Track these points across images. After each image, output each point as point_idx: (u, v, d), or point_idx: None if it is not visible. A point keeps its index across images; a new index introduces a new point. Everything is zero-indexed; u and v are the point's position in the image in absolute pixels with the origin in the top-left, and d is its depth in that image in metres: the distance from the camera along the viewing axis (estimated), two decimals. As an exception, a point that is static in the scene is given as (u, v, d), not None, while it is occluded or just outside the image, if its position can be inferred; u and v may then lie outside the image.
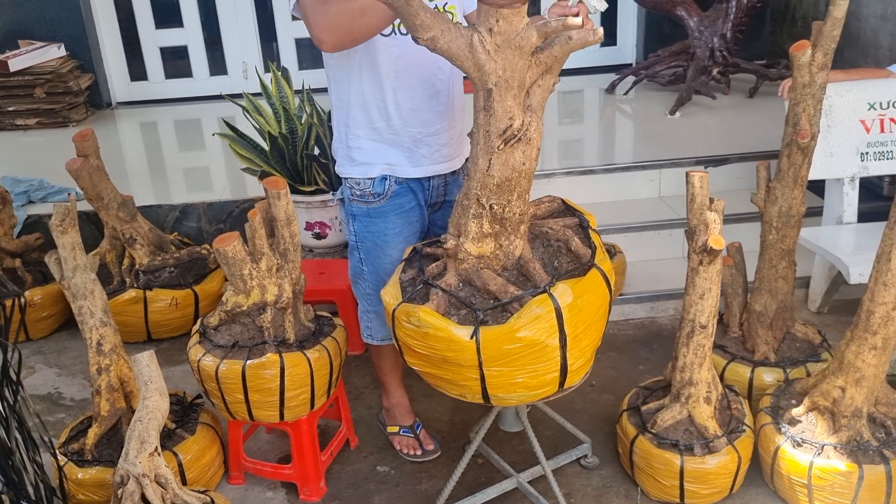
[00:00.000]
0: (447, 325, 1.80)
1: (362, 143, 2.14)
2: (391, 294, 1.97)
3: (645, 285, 3.26)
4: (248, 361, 2.13)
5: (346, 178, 2.22)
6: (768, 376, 2.41)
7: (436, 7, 1.97)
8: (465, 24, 2.15)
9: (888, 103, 2.82)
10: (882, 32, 4.96)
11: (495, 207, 1.84)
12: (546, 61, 1.71)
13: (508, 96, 1.70)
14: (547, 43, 1.68)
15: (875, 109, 2.83)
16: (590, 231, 2.00)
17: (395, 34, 2.01)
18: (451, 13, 2.10)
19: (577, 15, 1.70)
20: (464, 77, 1.95)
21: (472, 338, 1.79)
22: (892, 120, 2.81)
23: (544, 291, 1.80)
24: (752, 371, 2.44)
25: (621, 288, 3.20)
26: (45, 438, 2.04)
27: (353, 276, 2.37)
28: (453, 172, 2.25)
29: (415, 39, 1.63)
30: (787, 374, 2.39)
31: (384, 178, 2.16)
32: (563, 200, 2.14)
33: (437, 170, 2.20)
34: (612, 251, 3.14)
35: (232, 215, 3.55)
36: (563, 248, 1.96)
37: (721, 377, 2.46)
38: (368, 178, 2.16)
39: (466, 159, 2.15)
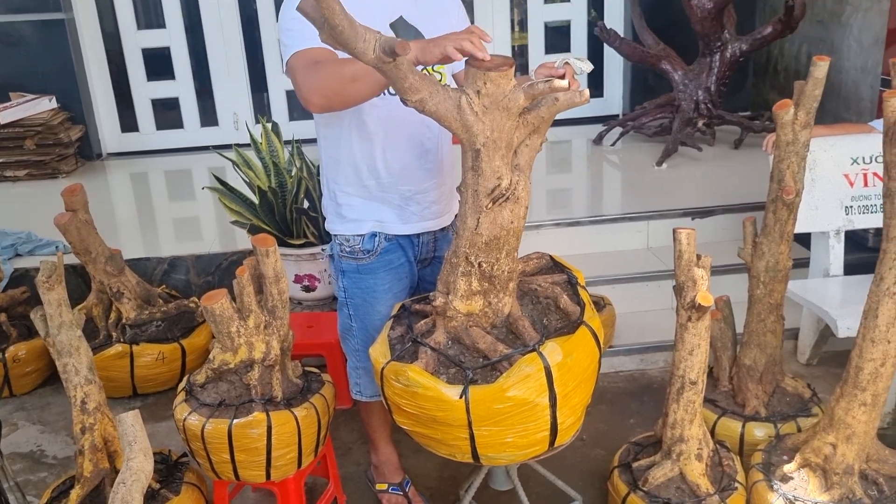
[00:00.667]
0: (436, 385, 1.79)
1: (352, 200, 2.15)
2: (380, 352, 1.96)
3: (634, 337, 3.26)
4: (235, 420, 2.10)
5: (335, 235, 2.22)
6: (759, 431, 2.40)
7: (423, 69, 2.00)
8: (453, 83, 2.18)
9: (871, 158, 2.86)
10: (863, 85, 5.06)
11: (484, 265, 1.84)
12: (533, 122, 1.73)
13: (496, 156, 1.72)
14: (534, 104, 1.71)
15: (858, 164, 2.88)
16: (578, 287, 2.00)
17: (385, 94, 2.02)
18: (440, 73, 2.14)
19: (563, 77, 1.73)
20: None
21: (461, 397, 1.77)
22: (875, 174, 2.85)
23: (533, 350, 1.79)
24: (743, 426, 2.42)
25: (611, 340, 3.20)
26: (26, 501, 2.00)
27: (342, 333, 2.36)
28: (443, 229, 2.26)
29: (403, 101, 1.64)
30: (777, 429, 2.38)
31: (374, 234, 2.16)
32: (551, 257, 2.14)
33: (427, 227, 2.20)
34: (600, 303, 3.14)
35: (221, 267, 3.55)
36: (552, 306, 1.96)
37: (712, 432, 2.45)
38: (358, 235, 2.16)
39: (456, 215, 2.16)
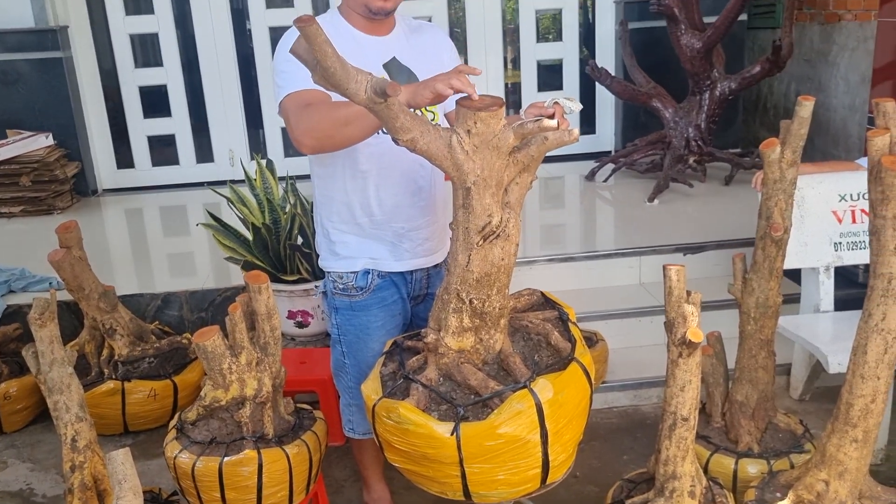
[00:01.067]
0: (427, 422, 1.79)
1: (345, 237, 2.17)
2: (371, 388, 1.96)
3: (627, 373, 3.26)
4: (226, 458, 2.10)
5: (329, 272, 2.23)
6: (752, 468, 2.39)
7: (415, 109, 2.06)
8: (445, 122, 2.22)
9: (858, 195, 2.90)
10: (851, 122, 5.14)
11: (475, 302, 1.86)
12: (523, 160, 1.76)
13: (487, 194, 1.75)
14: (524, 143, 1.74)
15: (846, 201, 2.91)
16: (569, 324, 2.01)
17: (378, 133, 2.03)
18: (433, 113, 2.17)
19: (552, 116, 1.76)
20: None
21: (452, 434, 1.77)
22: (862, 211, 2.88)
23: (525, 387, 1.80)
24: (736, 463, 2.42)
25: (604, 376, 3.20)
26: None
27: (335, 370, 2.36)
28: (436, 265, 2.27)
29: (395, 140, 1.67)
30: (770, 465, 2.38)
31: (367, 272, 2.17)
32: (542, 293, 2.16)
33: (420, 263, 2.21)
34: (593, 339, 3.15)
35: (214, 304, 3.55)
36: (543, 342, 1.97)
37: (705, 469, 2.44)
38: (352, 272, 2.18)
39: (449, 252, 2.20)
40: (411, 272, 2.22)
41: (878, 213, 1.92)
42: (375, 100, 1.53)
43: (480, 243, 1.79)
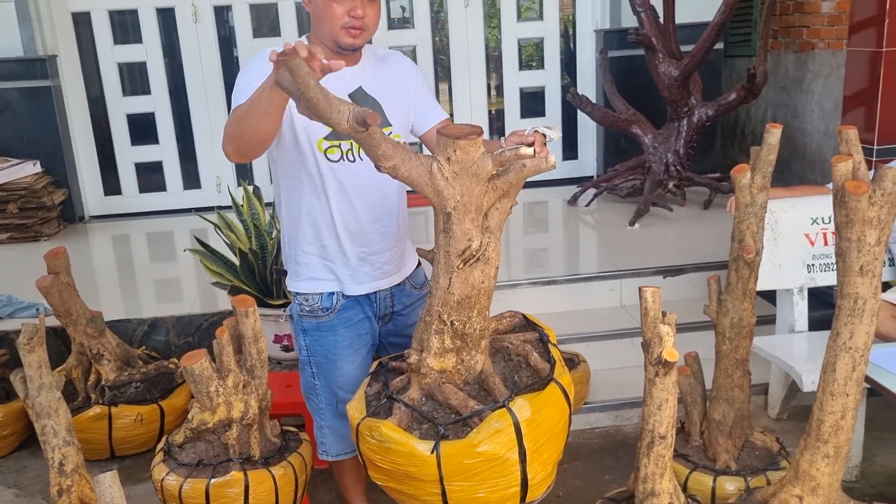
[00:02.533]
0: (408, 440, 1.83)
1: (310, 259, 2.21)
2: (356, 408, 2.01)
3: (609, 394, 3.31)
4: (212, 480, 2.13)
5: (295, 294, 2.27)
6: (730, 485, 2.45)
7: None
8: (416, 141, 2.31)
9: (829, 218, 2.98)
10: (826, 147, 5.26)
11: (456, 324, 1.91)
12: (502, 186, 1.83)
13: (466, 219, 1.81)
14: (503, 170, 1.80)
15: (818, 224, 3.00)
16: (549, 345, 2.07)
17: (343, 160, 2.12)
18: (397, 139, 2.23)
19: (531, 144, 1.83)
20: (408, 191, 2.09)
21: (432, 452, 1.82)
22: (833, 233, 2.95)
23: (503, 406, 1.85)
24: (714, 480, 2.47)
25: (586, 397, 3.25)
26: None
27: (305, 393, 2.39)
28: (398, 284, 2.32)
29: (377, 167, 1.73)
30: (747, 482, 2.43)
31: (332, 293, 2.23)
32: (523, 316, 2.22)
33: (378, 286, 2.27)
34: (575, 360, 3.20)
35: (201, 328, 3.58)
36: (522, 363, 2.03)
37: (684, 487, 2.49)
38: (317, 294, 2.22)
39: (410, 275, 2.33)
40: (374, 293, 2.28)
41: (843, 236, 2.00)
42: (357, 129, 1.60)
43: (461, 266, 1.84)
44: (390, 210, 2.22)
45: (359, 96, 2.13)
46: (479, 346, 1.97)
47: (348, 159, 2.11)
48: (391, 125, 2.18)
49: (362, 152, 2.06)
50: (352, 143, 2.11)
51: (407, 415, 1.91)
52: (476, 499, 1.87)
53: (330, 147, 2.10)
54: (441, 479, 1.83)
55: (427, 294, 2.32)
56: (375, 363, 2.19)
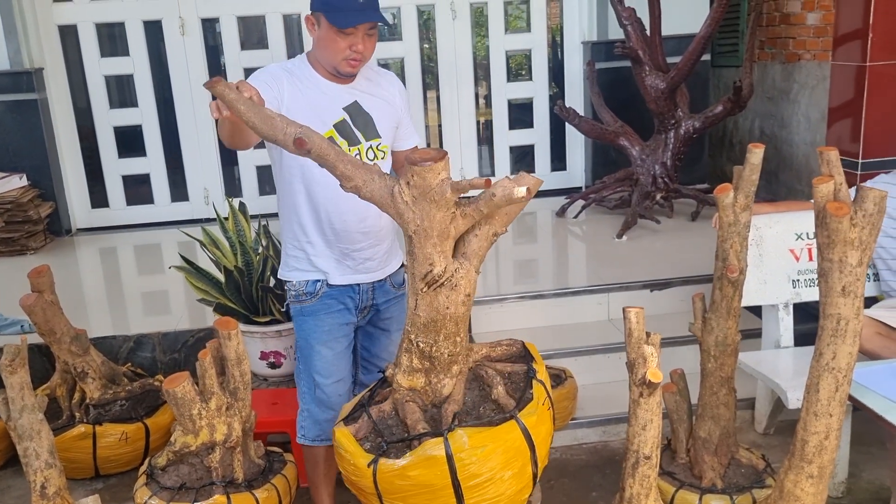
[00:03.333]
0: (354, 450, 1.88)
1: (299, 252, 2.40)
2: (345, 409, 2.06)
3: (596, 409, 3.31)
4: (195, 504, 2.12)
5: (286, 282, 2.45)
6: (716, 503, 2.45)
7: (370, 147, 2.30)
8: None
9: (813, 234, 2.98)
10: (813, 158, 5.29)
11: (422, 345, 1.93)
12: (473, 214, 1.82)
13: (427, 244, 1.82)
14: (475, 198, 1.80)
15: (802, 239, 3.01)
16: (535, 381, 2.04)
17: None
18: (384, 151, 2.37)
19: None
20: None
21: (370, 467, 1.85)
22: (818, 249, 2.97)
23: (441, 434, 1.85)
24: (700, 498, 2.46)
25: (573, 412, 3.24)
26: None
27: (295, 378, 2.53)
28: (380, 280, 2.48)
29: (342, 186, 1.81)
30: (733, 500, 2.43)
31: (316, 280, 2.39)
32: (523, 345, 2.20)
33: (360, 279, 2.42)
34: (562, 376, 3.20)
35: (187, 345, 3.56)
36: (489, 396, 2.02)
37: (671, 505, 2.49)
38: (303, 280, 2.40)
39: (392, 273, 2.49)
40: (357, 285, 2.43)
41: (825, 257, 2.01)
42: (298, 152, 1.68)
43: (424, 290, 1.86)
44: (375, 212, 2.28)
45: (353, 110, 2.31)
46: (448, 371, 1.97)
47: None
48: (380, 137, 2.36)
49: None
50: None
51: (368, 425, 1.95)
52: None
53: None
54: (379, 494, 1.86)
55: (403, 296, 2.53)
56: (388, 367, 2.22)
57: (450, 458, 1.81)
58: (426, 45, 5.73)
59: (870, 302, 3.01)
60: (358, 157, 2.29)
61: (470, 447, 1.83)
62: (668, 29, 4.82)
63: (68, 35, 5.35)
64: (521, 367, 2.08)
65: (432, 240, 1.80)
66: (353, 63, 2.25)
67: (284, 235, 2.44)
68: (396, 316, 2.56)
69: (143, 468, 2.29)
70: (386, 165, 2.40)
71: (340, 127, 2.29)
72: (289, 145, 1.69)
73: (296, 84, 2.26)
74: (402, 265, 2.58)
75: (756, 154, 2.25)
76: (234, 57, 5.46)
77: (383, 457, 1.85)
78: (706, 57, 5.29)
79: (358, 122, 2.31)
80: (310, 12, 2.26)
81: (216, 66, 5.53)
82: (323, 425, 2.44)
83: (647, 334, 2.14)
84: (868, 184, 2.49)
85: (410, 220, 1.78)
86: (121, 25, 5.37)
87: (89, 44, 5.36)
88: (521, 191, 1.70)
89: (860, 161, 3.59)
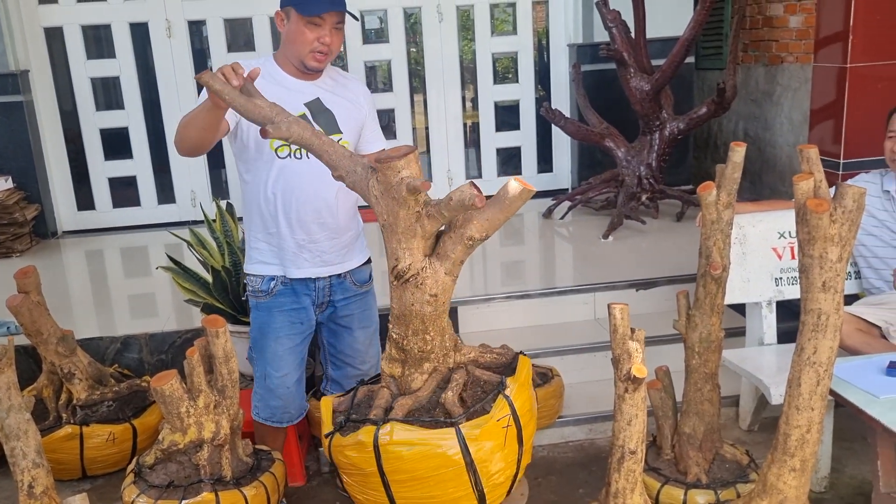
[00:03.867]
0: (326, 419, 2.02)
1: (260, 244, 2.49)
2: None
3: (583, 407, 3.33)
4: (183, 501, 2.12)
5: (247, 274, 2.55)
6: (701, 498, 2.47)
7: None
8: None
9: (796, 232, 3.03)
10: (796, 159, 5.34)
11: (395, 336, 2.00)
12: (436, 216, 1.84)
13: (392, 238, 1.88)
14: (437, 200, 1.83)
15: (785, 238, 3.04)
16: (501, 396, 2.02)
17: (290, 157, 2.38)
18: (345, 147, 2.36)
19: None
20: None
21: (326, 437, 1.99)
22: (800, 247, 3.01)
23: (375, 424, 1.92)
24: (686, 493, 2.49)
25: (559, 411, 3.26)
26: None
27: (248, 358, 2.68)
28: (339, 276, 2.54)
29: (332, 175, 1.91)
30: (718, 495, 2.46)
31: (272, 277, 2.48)
32: (516, 356, 2.22)
33: (317, 273, 2.49)
34: (549, 374, 3.22)
35: (174, 346, 3.56)
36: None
37: (656, 500, 2.51)
38: (259, 276, 2.50)
39: (350, 270, 2.54)
40: (314, 280, 2.50)
41: (805, 253, 2.04)
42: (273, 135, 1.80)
43: (394, 282, 1.91)
44: (329, 204, 2.44)
45: (314, 106, 2.39)
46: (420, 367, 2.02)
47: (295, 157, 2.38)
48: (341, 132, 2.44)
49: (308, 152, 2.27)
50: None
51: (348, 401, 2.06)
52: (362, 494, 2.00)
53: (281, 145, 2.36)
54: (333, 464, 2.02)
55: (366, 293, 2.61)
56: None
57: (376, 447, 1.89)
58: (413, 48, 5.75)
59: (851, 299, 3.06)
60: None
61: (394, 442, 1.88)
62: (652, 32, 4.86)
63: (54, 37, 5.34)
64: (496, 379, 2.09)
65: (396, 235, 1.86)
66: (320, 57, 2.32)
67: (247, 228, 2.53)
68: (357, 314, 2.63)
69: (130, 466, 2.29)
70: None
71: None
72: (273, 132, 1.78)
73: (259, 80, 2.28)
74: (367, 262, 2.66)
75: (738, 152, 2.28)
76: (221, 59, 5.45)
77: (338, 432, 1.95)
78: (690, 59, 5.34)
79: (319, 118, 2.39)
80: (279, 8, 2.35)
81: (203, 69, 5.48)
82: (273, 410, 2.60)
83: (632, 330, 2.17)
84: (848, 182, 2.53)
85: (380, 214, 1.87)
86: (107, 27, 5.37)
87: (75, 46, 5.35)
88: (471, 197, 1.70)
89: (842, 161, 3.65)
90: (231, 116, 2.30)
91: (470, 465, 1.93)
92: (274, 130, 1.77)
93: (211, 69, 1.88)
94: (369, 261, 2.68)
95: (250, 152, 2.40)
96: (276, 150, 2.37)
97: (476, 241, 1.91)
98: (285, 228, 2.43)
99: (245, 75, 1.91)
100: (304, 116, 2.36)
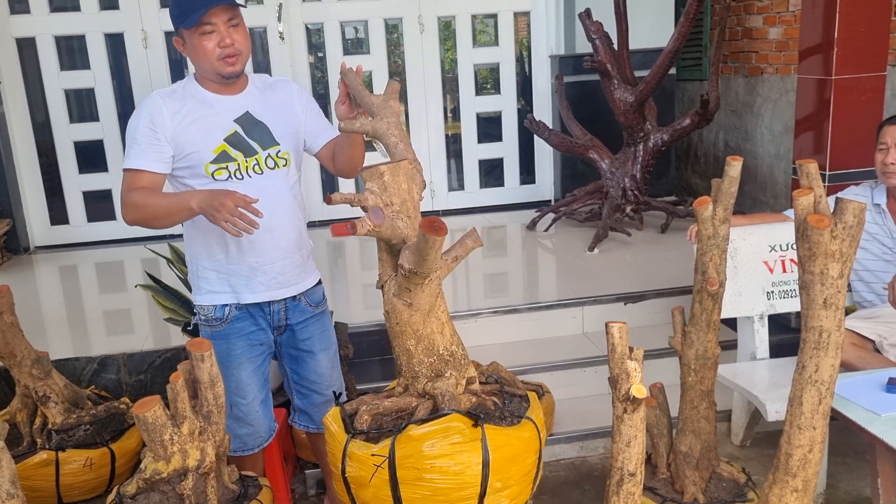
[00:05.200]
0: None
1: (208, 273, 2.39)
2: None
3: (573, 424, 3.28)
4: (168, 534, 2.03)
5: (196, 305, 2.45)
6: (699, 518, 2.42)
7: (268, 155, 2.31)
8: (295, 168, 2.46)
9: (787, 245, 3.01)
10: (777, 169, 5.37)
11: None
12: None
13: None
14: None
15: (776, 251, 3.02)
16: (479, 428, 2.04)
17: (231, 179, 2.28)
18: (286, 158, 2.36)
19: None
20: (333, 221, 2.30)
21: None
22: (792, 261, 2.99)
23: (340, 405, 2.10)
24: (683, 513, 2.44)
25: (550, 428, 3.21)
26: None
27: None
28: (294, 298, 2.46)
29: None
30: (716, 515, 2.41)
31: (225, 305, 2.39)
32: (499, 380, 2.26)
33: (273, 296, 2.40)
34: (539, 391, 3.16)
35: (154, 365, 3.45)
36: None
37: (653, 521, 2.46)
38: (212, 305, 2.40)
39: (305, 290, 2.47)
40: (269, 304, 2.42)
41: (806, 269, 2.00)
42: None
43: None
44: (280, 222, 2.36)
45: (245, 121, 2.30)
46: (414, 386, 2.09)
47: (236, 178, 2.29)
48: (278, 144, 2.35)
49: (250, 170, 2.29)
50: (238, 164, 2.28)
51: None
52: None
53: (217, 169, 2.27)
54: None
55: (322, 313, 2.55)
56: None
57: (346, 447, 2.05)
58: (394, 60, 5.70)
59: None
60: (257, 166, 2.31)
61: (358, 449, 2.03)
62: (635, 43, 4.86)
63: (26, 48, 5.22)
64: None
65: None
66: (231, 60, 2.23)
67: (192, 261, 2.42)
68: (317, 335, 2.54)
69: (111, 497, 2.19)
70: (291, 172, 2.39)
71: (233, 140, 2.29)
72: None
73: (180, 108, 2.26)
74: (319, 283, 2.57)
75: (734, 167, 2.25)
76: (186, 77, 5.35)
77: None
78: (672, 71, 5.35)
79: (252, 132, 2.31)
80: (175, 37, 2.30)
81: (180, 80, 5.42)
82: (244, 439, 2.51)
83: (630, 349, 2.12)
84: (839, 195, 2.51)
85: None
86: (81, 38, 5.26)
87: (48, 57, 5.23)
88: (361, 228, 1.81)
89: (827, 173, 3.64)
90: (166, 160, 2.27)
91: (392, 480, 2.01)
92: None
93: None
94: (320, 282, 2.59)
95: (187, 181, 2.30)
96: (213, 175, 2.27)
97: (407, 271, 1.92)
98: (235, 253, 2.34)
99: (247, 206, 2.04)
100: (235, 134, 2.28)
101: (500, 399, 2.19)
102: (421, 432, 1.95)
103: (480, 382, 2.25)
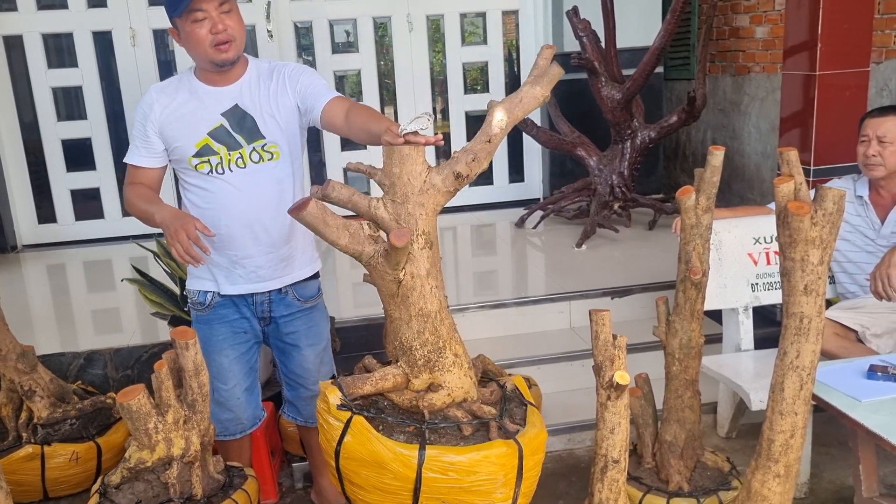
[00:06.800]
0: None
1: None
2: None
3: (561, 417, 3.29)
4: (152, 522, 2.03)
5: (187, 290, 2.53)
6: (683, 507, 2.44)
7: (253, 149, 2.31)
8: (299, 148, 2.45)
9: (771, 238, 3.04)
10: (764, 167, 5.40)
11: None
12: None
13: None
14: None
15: (760, 244, 3.04)
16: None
17: (213, 173, 2.31)
18: (272, 152, 2.34)
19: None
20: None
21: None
22: (776, 253, 3.01)
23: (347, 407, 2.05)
24: (668, 502, 2.46)
25: (538, 421, 3.22)
26: None
27: None
28: (279, 291, 2.46)
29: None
30: (700, 503, 2.43)
31: (207, 291, 2.44)
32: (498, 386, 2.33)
33: (252, 289, 2.42)
34: (527, 384, 3.17)
35: (140, 360, 3.45)
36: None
37: (638, 510, 2.48)
38: (196, 290, 2.46)
39: (288, 285, 2.46)
40: (251, 295, 2.44)
41: (787, 256, 2.02)
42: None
43: None
44: (260, 217, 2.36)
45: (233, 114, 2.31)
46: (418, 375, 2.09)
47: (217, 172, 2.32)
48: (264, 137, 2.32)
49: (232, 164, 2.31)
50: (221, 158, 2.30)
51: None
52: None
53: (200, 163, 2.30)
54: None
55: (312, 308, 2.53)
56: None
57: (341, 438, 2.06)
58: (383, 59, 5.71)
59: (826, 304, 3.06)
60: (241, 160, 2.31)
61: (356, 433, 2.05)
62: (622, 41, 4.88)
63: (13, 46, 5.19)
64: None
65: None
66: (224, 47, 2.21)
67: None
68: (303, 331, 2.53)
69: (95, 487, 2.19)
70: (280, 165, 2.36)
71: (217, 134, 2.30)
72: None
73: (169, 102, 2.31)
74: (314, 276, 2.55)
75: (717, 156, 2.27)
76: (187, 68, 5.35)
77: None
78: (659, 69, 5.38)
79: (239, 125, 2.30)
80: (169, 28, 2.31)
81: (168, 76, 5.41)
82: (225, 424, 2.53)
83: (614, 337, 2.13)
84: (823, 186, 2.53)
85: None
86: (69, 36, 5.24)
87: (36, 55, 5.20)
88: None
89: (812, 168, 3.66)
90: (158, 154, 2.36)
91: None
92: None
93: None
94: (317, 275, 2.56)
95: (179, 172, 2.39)
96: (196, 168, 2.31)
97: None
98: (218, 244, 2.35)
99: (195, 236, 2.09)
100: (219, 128, 2.28)
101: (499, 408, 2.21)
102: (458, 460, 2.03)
103: (482, 384, 2.27)
